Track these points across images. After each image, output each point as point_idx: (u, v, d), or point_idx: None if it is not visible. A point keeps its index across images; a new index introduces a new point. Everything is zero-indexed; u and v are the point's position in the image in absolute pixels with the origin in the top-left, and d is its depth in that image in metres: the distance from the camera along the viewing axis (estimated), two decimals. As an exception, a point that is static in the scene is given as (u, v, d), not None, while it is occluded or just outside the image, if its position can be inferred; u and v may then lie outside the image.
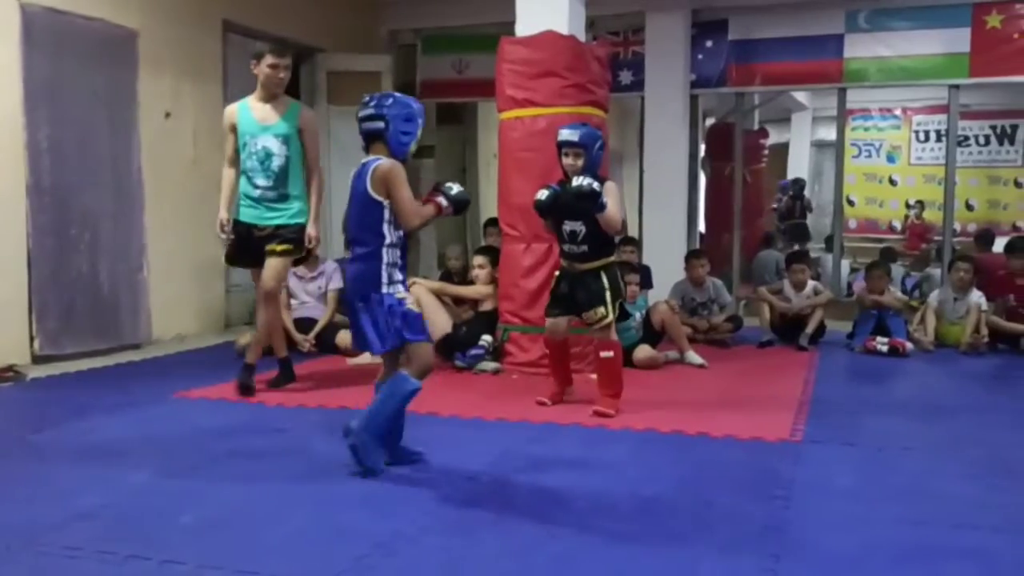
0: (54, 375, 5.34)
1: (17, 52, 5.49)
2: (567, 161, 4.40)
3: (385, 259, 3.42)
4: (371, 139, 3.51)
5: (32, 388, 5.05)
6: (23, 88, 5.53)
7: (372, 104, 3.49)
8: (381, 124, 3.47)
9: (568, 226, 4.44)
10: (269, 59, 4.73)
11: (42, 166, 5.66)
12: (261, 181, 4.74)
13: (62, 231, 5.81)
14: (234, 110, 4.85)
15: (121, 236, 6.25)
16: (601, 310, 4.40)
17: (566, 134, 4.42)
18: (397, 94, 3.59)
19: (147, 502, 3.10)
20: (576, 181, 4.23)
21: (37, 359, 5.62)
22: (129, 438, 3.94)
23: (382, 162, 3.44)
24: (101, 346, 5.96)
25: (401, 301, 3.41)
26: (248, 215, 4.80)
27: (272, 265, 4.76)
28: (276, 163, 4.74)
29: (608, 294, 4.41)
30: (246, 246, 4.82)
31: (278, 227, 4.78)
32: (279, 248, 4.76)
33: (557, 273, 4.65)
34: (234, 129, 4.80)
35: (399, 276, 3.46)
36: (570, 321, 4.63)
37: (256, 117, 4.77)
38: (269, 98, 4.79)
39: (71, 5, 5.84)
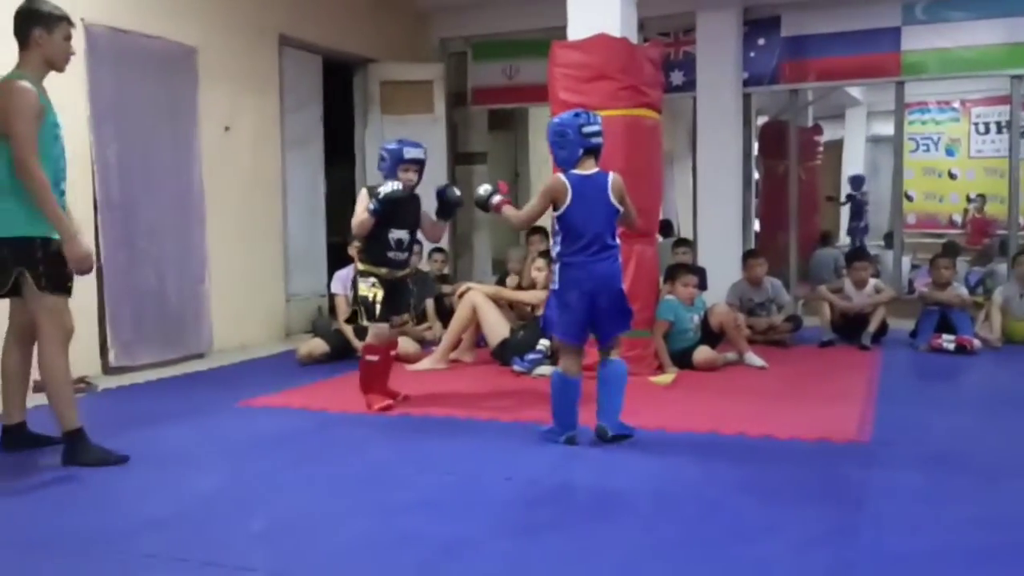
0: (124, 385, 5.48)
1: (83, 71, 5.63)
2: (408, 176, 4.58)
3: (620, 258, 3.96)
4: (593, 153, 3.88)
5: (103, 399, 5.16)
6: (89, 106, 5.69)
7: (598, 121, 3.87)
8: (602, 140, 3.90)
9: (395, 234, 4.61)
10: (66, 29, 3.62)
11: (110, 181, 5.82)
12: (64, 186, 3.70)
13: (130, 244, 5.96)
14: (34, 93, 3.52)
15: (184, 248, 6.40)
16: (407, 314, 5.02)
17: (415, 152, 4.61)
18: None
19: (217, 509, 3.17)
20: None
21: (111, 370, 5.75)
22: (197, 446, 4.03)
23: (617, 175, 3.90)
24: (169, 356, 6.11)
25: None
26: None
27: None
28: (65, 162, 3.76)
29: (412, 299, 4.97)
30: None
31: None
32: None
33: (375, 280, 4.60)
34: (41, 117, 3.53)
35: None
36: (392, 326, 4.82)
37: (51, 104, 3.62)
38: (43, 79, 3.64)
39: (132, 24, 6.00)
